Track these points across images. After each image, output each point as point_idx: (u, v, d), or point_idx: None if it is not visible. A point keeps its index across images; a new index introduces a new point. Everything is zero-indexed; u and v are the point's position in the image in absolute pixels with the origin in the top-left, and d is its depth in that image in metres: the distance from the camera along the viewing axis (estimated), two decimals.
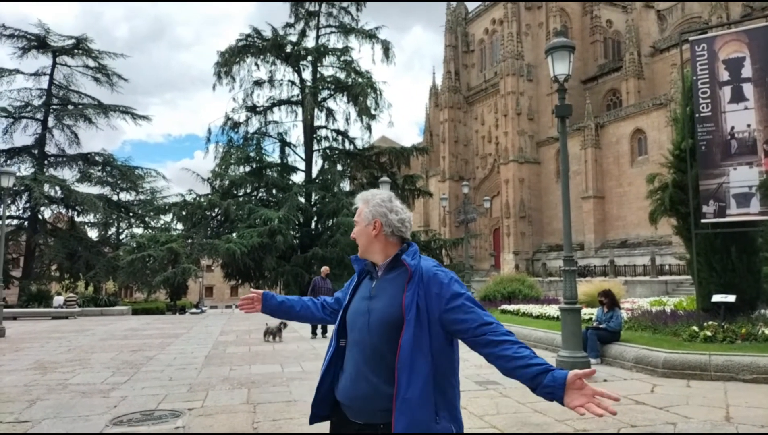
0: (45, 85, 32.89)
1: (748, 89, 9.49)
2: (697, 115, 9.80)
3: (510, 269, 45.51)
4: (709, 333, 8.39)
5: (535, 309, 14.18)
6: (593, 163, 45.54)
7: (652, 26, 50.24)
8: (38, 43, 32.18)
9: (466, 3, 63.32)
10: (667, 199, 10.39)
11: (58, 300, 24.56)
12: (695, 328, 8.67)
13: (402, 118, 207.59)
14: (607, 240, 44.73)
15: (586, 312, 11.17)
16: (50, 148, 33.24)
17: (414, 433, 1.81)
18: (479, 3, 61.33)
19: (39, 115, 32.72)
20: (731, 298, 9.08)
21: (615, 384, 7.24)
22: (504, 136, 52.81)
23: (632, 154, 43.94)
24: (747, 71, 9.53)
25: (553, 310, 12.95)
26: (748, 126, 9.41)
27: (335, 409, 2.06)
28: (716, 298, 9.31)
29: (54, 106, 33.19)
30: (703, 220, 9.48)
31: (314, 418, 2.10)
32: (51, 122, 33.00)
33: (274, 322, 13.33)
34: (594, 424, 5.35)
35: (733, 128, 9.52)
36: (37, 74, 32.80)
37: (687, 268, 12.76)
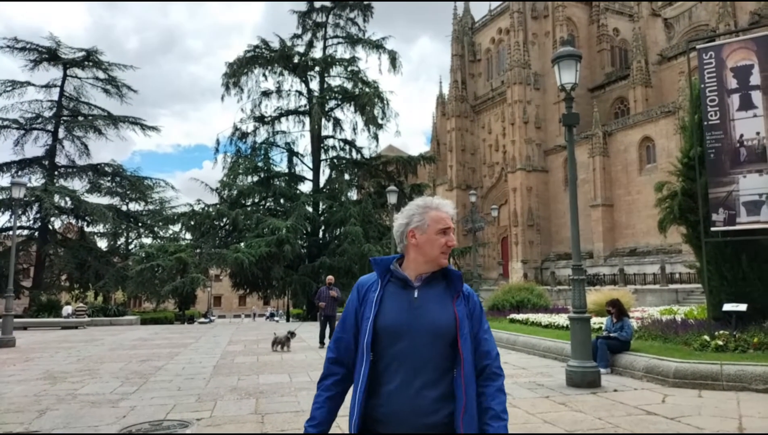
0: (56, 97, 33.29)
1: (756, 97, 9.46)
2: (705, 123, 9.77)
3: (518, 278, 45.28)
4: (720, 342, 8.31)
5: (544, 318, 14.10)
6: (601, 171, 45.35)
7: (660, 34, 50.17)
8: (49, 55, 32.59)
9: (472, 13, 63.55)
10: (676, 208, 10.33)
11: (68, 310, 24.70)
12: (706, 337, 8.58)
13: (409, 128, 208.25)
14: (616, 248, 44.45)
15: (596, 321, 11.09)
16: (60, 159, 33.60)
17: None
18: (485, 13, 61.53)
19: (50, 127, 33.08)
20: (742, 307, 8.99)
21: (625, 394, 7.17)
22: (511, 145, 52.76)
23: (641, 162, 43.74)
24: (755, 79, 9.50)
25: (562, 319, 12.88)
26: (757, 133, 9.37)
27: (366, 426, 1.92)
28: (727, 306, 9.22)
29: (64, 118, 33.55)
30: (712, 229, 9.41)
31: None
32: (61, 133, 33.36)
33: (282, 331, 13.35)
34: None
35: (742, 136, 9.48)
36: (47, 86, 33.22)
37: (697, 276, 12.65)
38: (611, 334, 8.98)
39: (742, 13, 42.15)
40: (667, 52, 48.07)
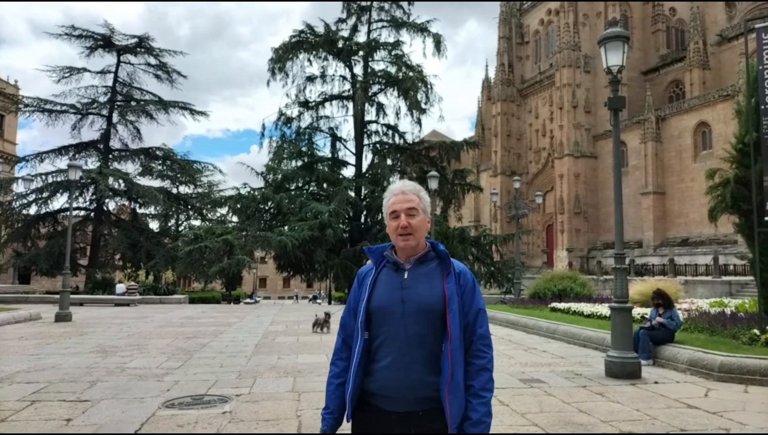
0: (110, 83, 34.44)
1: None
2: (762, 107, 9.29)
3: (563, 267, 44.43)
4: None
5: (586, 308, 13.85)
6: (653, 158, 43.75)
7: (720, 14, 47.67)
8: (104, 42, 33.70)
9: None
10: (728, 196, 9.89)
11: (121, 288, 25.78)
12: (756, 331, 8.25)
13: (454, 113, 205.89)
14: (667, 238, 42.96)
15: (641, 312, 10.82)
16: (114, 143, 34.84)
17: (461, 414, 1.95)
18: None
19: (104, 112, 34.31)
20: None
21: (666, 386, 7.00)
22: (559, 130, 51.52)
23: (695, 149, 41.98)
24: None
25: (605, 309, 12.60)
26: None
27: (361, 401, 2.05)
28: None
29: (118, 103, 34.72)
30: (766, 218, 8.98)
31: (353, 416, 2.06)
32: (115, 118, 34.55)
33: (323, 314, 13.57)
34: (641, 427, 5.21)
35: None
36: (102, 72, 34.38)
37: (750, 268, 12.13)
38: (654, 322, 8.71)
39: None
40: (727, 32, 45.69)
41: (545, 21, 57.83)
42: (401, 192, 2.12)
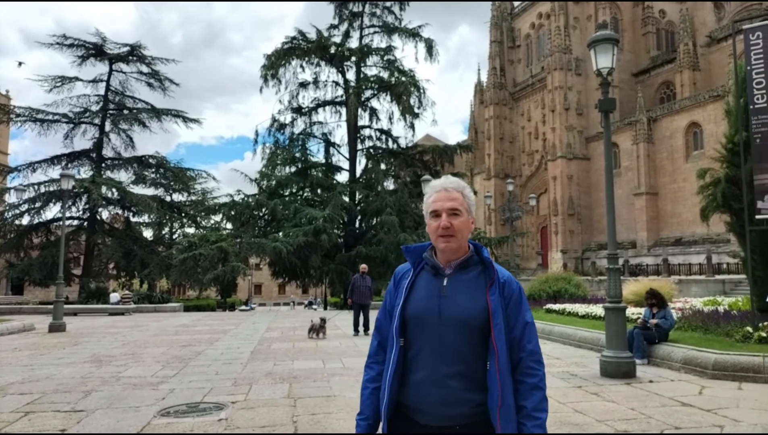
0: (102, 92, 34.42)
1: None
2: (751, 107, 9.39)
3: (558, 268, 44.53)
4: (764, 334, 8.04)
5: (581, 308, 13.89)
6: (646, 159, 43.97)
7: (708, 15, 48.07)
8: (95, 51, 33.68)
9: None
10: (719, 195, 9.99)
11: (115, 297, 25.69)
12: (749, 328, 8.31)
13: (447, 117, 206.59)
14: (661, 238, 43.15)
15: (635, 312, 10.87)
16: (107, 152, 34.78)
17: None
18: None
19: (97, 121, 34.24)
20: None
21: (660, 385, 7.03)
22: (551, 132, 51.72)
23: (687, 149, 42.23)
24: None
25: (599, 309, 12.63)
26: None
27: (397, 412, 1.91)
28: None
29: (110, 112, 34.68)
30: (757, 217, 9.06)
31: (389, 427, 1.91)
32: (108, 127, 34.50)
33: (318, 319, 13.55)
34: (636, 426, 5.24)
35: None
36: (94, 81, 34.36)
37: (743, 266, 12.21)
38: (649, 322, 8.75)
39: None
40: (716, 33, 46.07)
41: (536, 24, 58.14)
42: (444, 189, 1.96)
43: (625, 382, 7.22)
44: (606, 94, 8.52)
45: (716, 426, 5.17)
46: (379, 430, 1.95)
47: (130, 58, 34.46)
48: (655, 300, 9.05)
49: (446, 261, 1.93)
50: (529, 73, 58.50)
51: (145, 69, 34.99)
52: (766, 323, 8.39)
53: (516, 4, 61.85)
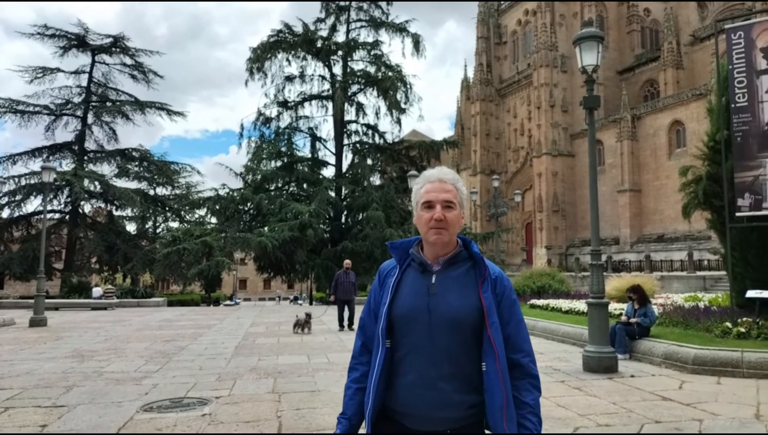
0: (84, 83, 33.94)
1: None
2: (732, 106, 9.50)
3: (542, 264, 44.88)
4: (742, 329, 8.18)
5: (564, 304, 14.01)
6: (629, 156, 44.50)
7: (692, 14, 48.63)
8: (78, 42, 33.16)
9: None
10: (700, 192, 10.11)
11: (98, 291, 25.39)
12: (728, 324, 8.45)
13: (434, 112, 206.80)
14: (644, 234, 43.70)
15: (618, 307, 11.00)
16: (90, 144, 34.35)
17: None
18: None
19: (79, 113, 33.76)
20: (766, 294, 8.81)
21: (642, 380, 7.12)
22: (537, 129, 52.05)
23: (670, 147, 42.79)
24: None
25: (582, 305, 12.75)
26: None
27: (383, 416, 1.82)
28: (751, 293, 9.04)
29: (93, 104, 34.21)
30: (738, 214, 9.20)
31: (372, 428, 1.83)
32: (90, 119, 34.04)
33: (303, 315, 13.53)
34: (617, 419, 5.30)
35: None
36: (77, 72, 33.86)
37: (723, 262, 12.41)
38: (632, 319, 8.88)
39: None
40: (699, 32, 46.64)
41: (522, 21, 58.39)
42: (438, 179, 1.86)
43: (607, 377, 7.30)
44: (591, 91, 8.58)
45: (695, 420, 5.25)
46: (362, 430, 1.88)
47: (114, 49, 34.00)
48: (635, 295, 9.16)
49: (434, 257, 1.83)
50: (515, 69, 58.76)
51: (128, 61, 34.59)
52: (745, 319, 8.54)
53: (503, 0, 62.01)
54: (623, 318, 9.04)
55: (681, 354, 7.70)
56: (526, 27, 57.92)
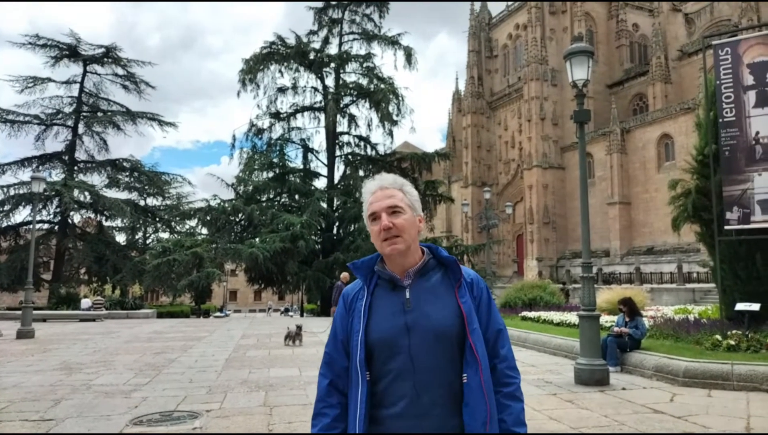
0: (76, 93, 33.84)
1: None
2: (720, 120, 9.65)
3: (533, 276, 44.99)
4: (732, 342, 8.23)
5: (555, 316, 14.04)
6: (619, 169, 44.86)
7: (680, 30, 49.37)
8: (69, 52, 33.10)
9: (489, 8, 63.17)
10: (689, 206, 10.22)
11: (86, 303, 25.13)
12: (718, 336, 8.50)
13: (425, 125, 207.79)
14: (633, 247, 43.96)
15: (608, 320, 11.04)
16: (80, 155, 34.19)
17: None
18: (503, 9, 61.13)
19: (69, 122, 33.62)
20: (755, 307, 8.89)
21: (634, 392, 7.15)
22: (528, 142, 52.38)
23: (659, 160, 43.19)
24: None
25: (574, 317, 12.78)
26: None
27: None
28: (740, 306, 9.12)
29: (84, 114, 34.08)
30: (726, 227, 9.30)
31: None
32: (81, 129, 33.90)
33: (294, 327, 13.46)
34: (609, 432, 5.31)
35: (758, 133, 9.35)
36: (68, 82, 33.76)
37: (712, 275, 12.52)
38: (624, 330, 8.91)
39: (765, 6, 41.27)
40: (687, 47, 47.32)
41: (513, 35, 58.98)
42: (379, 188, 1.74)
43: (599, 390, 7.32)
44: (581, 105, 8.68)
45: (686, 433, 5.27)
46: None
47: (105, 59, 33.96)
48: (626, 307, 9.21)
49: (402, 270, 1.68)
50: (506, 82, 59.24)
51: (120, 71, 34.55)
52: (734, 331, 8.60)
53: (494, 14, 62.69)
54: (615, 329, 9.08)
55: (672, 367, 7.73)
56: (516, 41, 58.50)
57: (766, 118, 9.31)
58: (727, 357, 7.72)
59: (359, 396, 1.61)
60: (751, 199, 9.17)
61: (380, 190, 1.74)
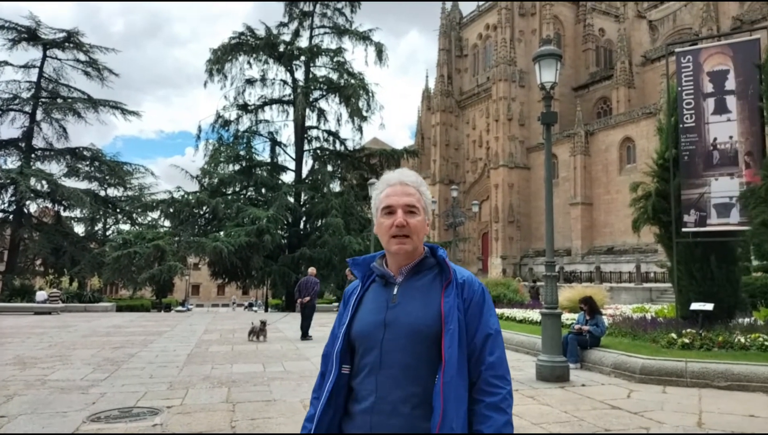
0: (34, 78, 32.66)
1: (731, 101, 9.66)
2: (681, 126, 9.96)
3: (498, 273, 45.68)
4: (686, 340, 8.51)
5: (518, 313, 14.28)
6: (582, 170, 45.88)
7: (644, 36, 50.75)
8: (29, 35, 31.93)
9: (460, 8, 63.64)
10: (649, 208, 10.52)
11: (42, 295, 24.34)
12: (674, 335, 8.78)
13: (395, 121, 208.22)
14: (594, 246, 45.05)
15: (569, 317, 11.28)
16: (38, 142, 33.03)
17: None
18: (474, 9, 61.67)
19: (27, 108, 32.45)
20: (709, 307, 9.21)
21: (592, 389, 7.32)
22: (495, 141, 53.06)
23: (621, 162, 44.34)
24: (730, 84, 9.70)
25: (536, 314, 13.03)
26: (731, 137, 9.58)
27: None
28: (695, 306, 9.44)
29: (43, 100, 32.94)
30: (684, 229, 9.62)
31: None
32: (39, 115, 32.75)
33: (259, 321, 13.32)
34: (569, 428, 5.43)
35: (715, 139, 9.69)
36: (26, 66, 32.57)
37: (669, 275, 12.92)
38: (584, 328, 9.12)
39: (725, 17, 42.76)
40: (650, 54, 48.67)
41: (483, 36, 59.57)
42: (399, 182, 1.68)
43: (560, 386, 7.48)
44: (548, 107, 8.82)
45: (642, 428, 5.43)
46: None
47: (66, 44, 32.87)
48: (586, 305, 9.43)
49: (398, 268, 1.67)
50: (475, 82, 59.82)
51: (82, 57, 33.49)
52: (689, 330, 8.90)
53: (465, 14, 63.17)
54: (576, 327, 9.28)
55: (629, 364, 7.96)
56: (486, 41, 59.11)
57: (723, 124, 9.66)
58: (681, 355, 7.98)
59: (327, 386, 1.62)
60: (707, 202, 9.50)
61: (400, 185, 1.68)
